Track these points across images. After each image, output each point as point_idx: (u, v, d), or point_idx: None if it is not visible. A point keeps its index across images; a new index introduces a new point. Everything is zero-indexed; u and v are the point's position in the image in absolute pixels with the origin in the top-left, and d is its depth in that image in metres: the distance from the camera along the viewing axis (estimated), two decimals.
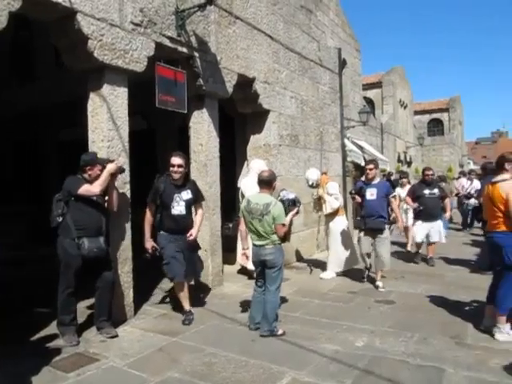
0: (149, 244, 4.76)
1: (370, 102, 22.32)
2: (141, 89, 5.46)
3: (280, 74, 7.80)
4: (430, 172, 7.80)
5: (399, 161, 22.32)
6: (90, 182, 4.14)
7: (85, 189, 4.06)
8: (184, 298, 4.80)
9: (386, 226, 6.18)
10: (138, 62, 4.85)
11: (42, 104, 9.10)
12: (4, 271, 6.42)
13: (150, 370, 3.58)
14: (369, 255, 6.31)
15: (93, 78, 4.65)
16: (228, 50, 6.34)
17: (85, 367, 3.61)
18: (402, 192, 9.01)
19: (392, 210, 6.41)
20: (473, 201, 11.51)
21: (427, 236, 7.74)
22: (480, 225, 9.58)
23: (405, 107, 25.17)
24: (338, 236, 6.79)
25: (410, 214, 8.85)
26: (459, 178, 14.40)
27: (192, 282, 5.25)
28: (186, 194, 4.76)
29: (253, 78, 6.96)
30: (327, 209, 6.75)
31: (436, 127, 33.17)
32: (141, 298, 5.27)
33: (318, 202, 6.94)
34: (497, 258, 4.19)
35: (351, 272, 6.82)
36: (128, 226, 4.80)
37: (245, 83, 6.90)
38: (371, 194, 6.10)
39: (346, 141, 11.34)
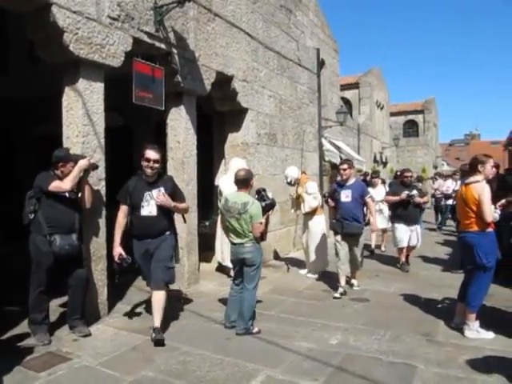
0: (116, 251, 4.22)
1: (347, 102, 22.55)
2: (118, 84, 5.38)
3: (259, 73, 7.81)
4: (410, 174, 7.56)
5: (375, 161, 22.62)
6: (63, 178, 4.06)
7: (55, 185, 3.98)
8: (155, 310, 4.16)
9: (363, 230, 5.98)
10: (114, 57, 4.78)
11: (16, 98, 8.86)
12: None
13: (124, 369, 3.54)
14: (347, 259, 5.91)
15: (68, 73, 4.55)
16: (207, 47, 6.31)
17: (57, 366, 3.55)
18: (373, 192, 8.89)
19: (370, 211, 6.27)
20: (451, 201, 11.79)
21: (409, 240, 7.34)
22: (455, 224, 9.81)
23: (381, 108, 25.53)
24: (316, 236, 6.83)
25: (385, 215, 8.98)
26: (435, 179, 14.73)
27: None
28: (158, 193, 4.19)
29: (231, 75, 6.95)
30: (306, 208, 6.79)
31: (411, 128, 33.75)
32: (115, 296, 5.20)
33: (296, 201, 6.97)
34: (468, 257, 4.30)
35: (326, 271, 6.88)
36: (102, 223, 4.72)
37: (223, 81, 6.88)
38: (346, 195, 5.86)
39: (323, 140, 11.43)
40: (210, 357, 3.77)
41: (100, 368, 3.56)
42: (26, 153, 9.75)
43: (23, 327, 4.25)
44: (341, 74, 17.40)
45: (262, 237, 4.44)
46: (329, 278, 6.55)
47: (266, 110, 8.10)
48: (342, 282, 5.87)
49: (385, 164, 24.73)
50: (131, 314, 4.92)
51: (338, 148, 13.71)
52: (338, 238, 5.91)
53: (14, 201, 5.30)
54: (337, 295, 5.67)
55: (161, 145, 5.79)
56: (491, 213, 4.16)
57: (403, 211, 7.23)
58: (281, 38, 8.70)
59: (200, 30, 6.17)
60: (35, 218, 4.02)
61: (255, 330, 4.34)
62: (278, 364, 3.64)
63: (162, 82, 5.38)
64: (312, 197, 6.74)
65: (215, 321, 4.68)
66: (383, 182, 10.05)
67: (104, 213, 4.74)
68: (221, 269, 6.88)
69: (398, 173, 13.44)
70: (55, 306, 4.83)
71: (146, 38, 5.19)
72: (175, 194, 4.40)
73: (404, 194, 7.13)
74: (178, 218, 4.71)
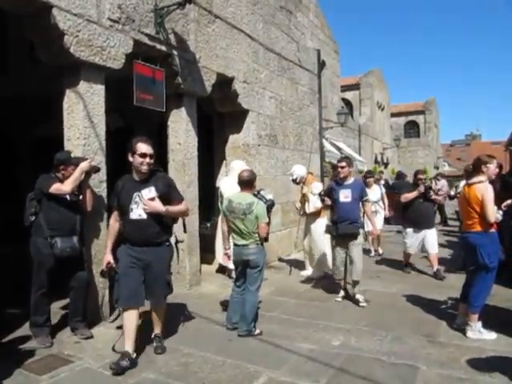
0: (105, 258, 3.86)
1: (348, 103, 22.58)
2: (118, 86, 5.39)
3: (259, 74, 7.81)
4: (423, 176, 7.03)
5: (376, 162, 22.64)
6: (64, 181, 4.06)
7: (55, 187, 3.98)
8: (128, 331, 3.65)
9: (361, 231, 5.52)
10: (115, 59, 4.78)
11: (16, 99, 8.87)
12: None
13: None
14: (344, 265, 5.54)
15: (69, 75, 4.56)
16: (207, 49, 6.32)
17: (58, 369, 3.54)
18: (369, 192, 8.67)
19: (367, 215, 5.93)
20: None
21: (422, 247, 6.98)
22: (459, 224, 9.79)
23: (382, 109, 25.55)
24: (318, 238, 6.75)
25: (381, 216, 8.92)
26: (438, 179, 14.75)
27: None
28: (148, 192, 3.65)
29: (232, 77, 6.95)
30: (310, 208, 6.76)
31: (412, 129, 33.80)
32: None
33: (301, 200, 6.94)
34: (471, 257, 4.28)
35: (328, 273, 6.86)
36: (103, 225, 4.71)
37: (224, 82, 6.89)
38: (345, 195, 5.41)
39: (324, 141, 11.44)
40: (211, 358, 3.77)
41: (102, 370, 3.55)
42: (26, 153, 9.76)
43: (24, 330, 4.24)
44: (341, 75, 17.43)
45: (266, 237, 4.45)
46: (330, 280, 6.53)
47: (267, 112, 8.10)
48: (342, 285, 5.66)
49: (386, 165, 24.74)
50: None
51: (338, 149, 13.73)
52: (335, 242, 5.59)
53: (14, 201, 5.31)
54: (338, 299, 5.55)
55: (162, 146, 5.81)
56: (494, 213, 4.15)
57: (413, 214, 6.82)
58: (281, 40, 8.71)
59: (200, 31, 6.18)
60: (36, 220, 4.03)
61: (257, 331, 4.33)
62: (280, 365, 3.63)
63: (162, 83, 5.38)
64: (317, 197, 6.67)
65: (217, 322, 4.67)
66: (377, 181, 9.80)
67: (105, 215, 4.74)
68: (222, 269, 6.88)
69: (399, 173, 13.49)
70: (57, 309, 4.83)
71: (146, 40, 5.20)
72: (169, 194, 3.80)
73: (422, 187, 6.73)
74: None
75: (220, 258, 6.75)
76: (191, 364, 3.67)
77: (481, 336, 4.18)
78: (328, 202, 5.69)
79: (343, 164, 5.55)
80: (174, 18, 5.59)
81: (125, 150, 3.80)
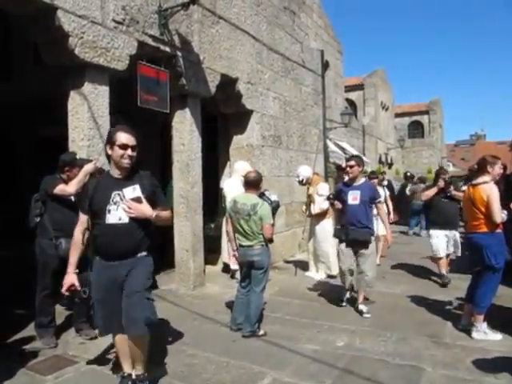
0: (67, 280, 3.05)
1: (352, 103, 22.55)
2: (122, 87, 5.40)
3: (263, 75, 7.81)
4: (447, 176, 6.52)
5: (380, 162, 22.57)
6: (68, 182, 4.06)
7: (60, 188, 3.99)
8: (122, 355, 3.16)
9: (372, 239, 5.09)
10: (119, 61, 4.80)
11: (21, 100, 8.91)
12: None
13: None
14: (351, 272, 5.13)
15: (73, 76, 4.58)
16: (211, 50, 6.32)
17: (63, 370, 3.56)
18: None
19: (381, 219, 5.60)
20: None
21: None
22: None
23: (386, 109, 25.48)
24: (324, 239, 6.72)
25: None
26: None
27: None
28: (132, 191, 2.96)
29: (236, 78, 6.95)
30: (315, 209, 6.74)
31: (416, 129, 33.67)
32: None
33: (307, 201, 6.91)
34: (477, 258, 4.25)
35: (332, 274, 6.85)
36: None
37: (228, 83, 6.89)
38: (353, 197, 5.01)
39: (328, 142, 11.42)
40: (215, 359, 3.77)
41: (106, 371, 3.55)
42: (28, 154, 9.79)
43: (29, 330, 4.26)
44: (345, 76, 17.39)
45: (271, 238, 4.44)
46: (334, 281, 6.52)
47: (271, 112, 8.10)
48: (347, 287, 5.33)
49: (390, 165, 24.67)
50: None
51: (342, 149, 13.70)
52: (342, 246, 5.14)
53: (14, 202, 5.32)
54: (343, 304, 5.33)
55: (165, 147, 5.81)
56: (500, 213, 4.13)
57: (438, 213, 6.33)
58: (285, 40, 8.71)
59: (204, 32, 6.18)
60: (41, 221, 4.05)
61: (261, 332, 4.33)
62: (284, 366, 3.63)
63: (166, 84, 5.39)
64: (323, 198, 6.57)
65: (221, 323, 4.67)
66: (381, 182, 9.55)
67: None
68: (226, 270, 6.88)
69: (408, 174, 13.40)
70: (61, 309, 4.84)
71: (150, 42, 5.21)
72: (155, 195, 3.10)
73: (442, 182, 6.25)
74: (178, 220, 4.64)
75: (226, 257, 6.75)
76: (195, 365, 3.67)
77: (486, 337, 4.16)
78: (339, 205, 5.27)
79: (352, 163, 5.12)
80: (178, 19, 5.60)
81: None
